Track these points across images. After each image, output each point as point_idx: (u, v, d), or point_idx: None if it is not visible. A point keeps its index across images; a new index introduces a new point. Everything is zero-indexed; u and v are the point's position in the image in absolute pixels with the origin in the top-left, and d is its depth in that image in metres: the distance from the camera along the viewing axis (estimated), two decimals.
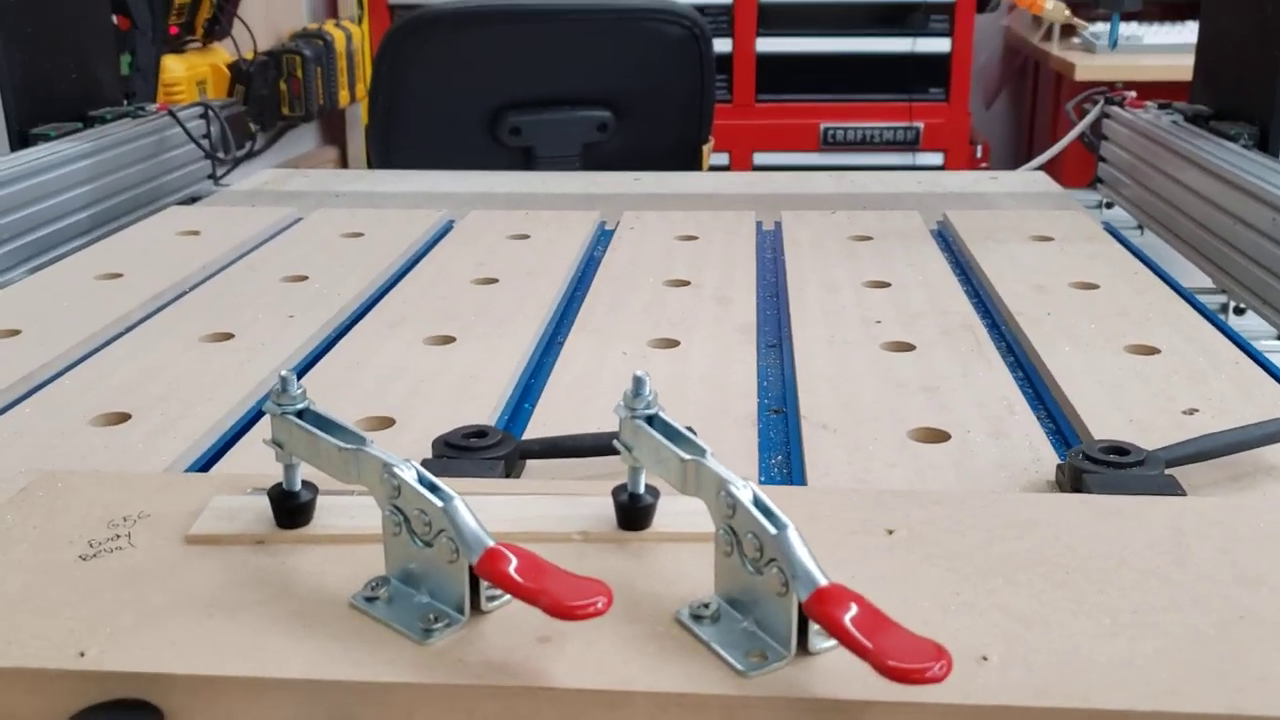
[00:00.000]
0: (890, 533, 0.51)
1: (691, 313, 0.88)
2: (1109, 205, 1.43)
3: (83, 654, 0.42)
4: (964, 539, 0.50)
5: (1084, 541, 0.50)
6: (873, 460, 0.64)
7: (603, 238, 1.13)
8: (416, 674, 0.41)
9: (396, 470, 0.45)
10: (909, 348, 0.81)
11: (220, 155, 1.53)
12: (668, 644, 0.43)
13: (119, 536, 0.51)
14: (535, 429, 0.68)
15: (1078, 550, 0.49)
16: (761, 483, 0.63)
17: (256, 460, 0.64)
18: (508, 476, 0.59)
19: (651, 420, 0.48)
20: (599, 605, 0.40)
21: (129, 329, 0.86)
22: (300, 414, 0.49)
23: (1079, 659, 0.42)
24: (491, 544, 0.43)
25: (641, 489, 0.50)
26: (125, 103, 1.51)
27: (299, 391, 0.49)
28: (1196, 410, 0.69)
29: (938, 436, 0.67)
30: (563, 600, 0.40)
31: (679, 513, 0.52)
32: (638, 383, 0.49)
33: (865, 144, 2.75)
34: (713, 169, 2.73)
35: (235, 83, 2.02)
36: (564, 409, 0.71)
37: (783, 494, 0.55)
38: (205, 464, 0.65)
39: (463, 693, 0.41)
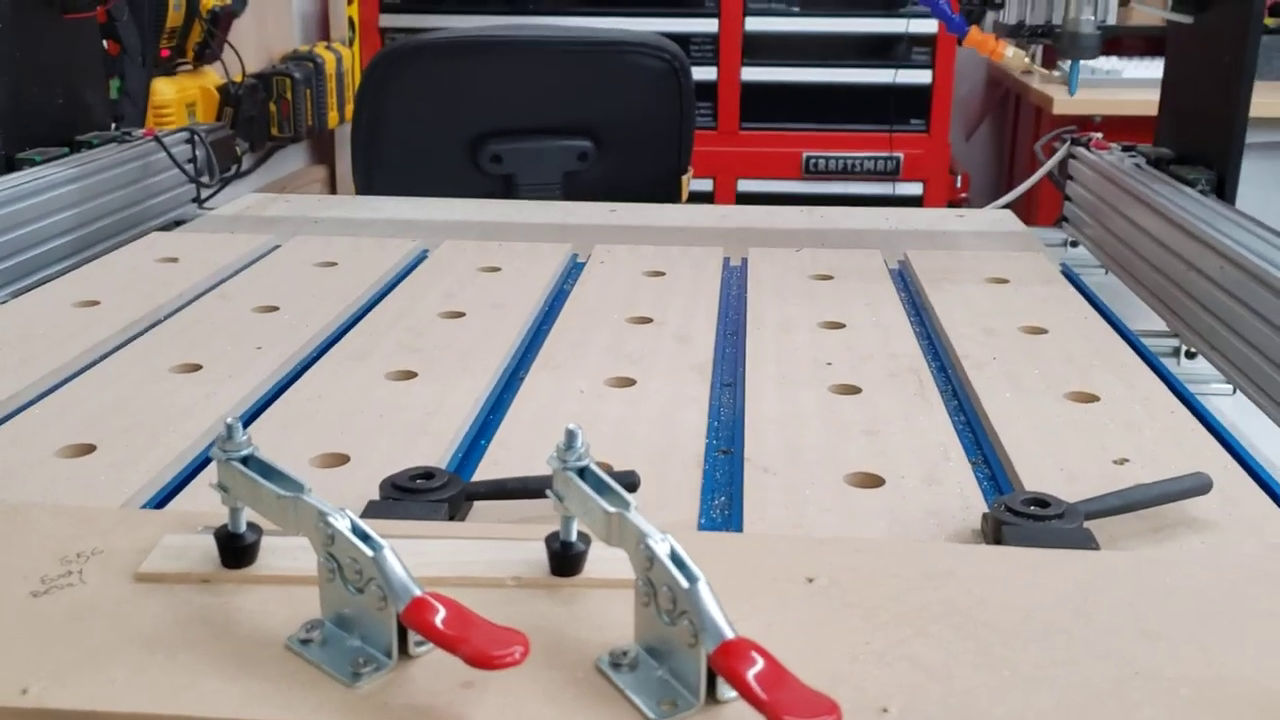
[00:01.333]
0: (810, 580, 0.53)
1: (651, 350, 0.91)
2: (1074, 244, 1.46)
3: (25, 691, 0.44)
4: (881, 588, 0.52)
5: (996, 594, 0.52)
6: (808, 505, 0.66)
7: (574, 270, 1.16)
8: (341, 717, 0.43)
9: (330, 519, 0.47)
10: (855, 390, 0.83)
11: (205, 180, 1.56)
12: (585, 690, 0.45)
13: (71, 573, 0.53)
14: (489, 467, 0.71)
15: (989, 602, 0.51)
16: (701, 524, 0.66)
17: (216, 495, 0.66)
18: (452, 518, 0.61)
19: (583, 472, 0.51)
20: (516, 655, 0.42)
21: (101, 358, 0.88)
22: (245, 460, 0.51)
23: (978, 713, 0.44)
24: (418, 593, 0.45)
25: (574, 536, 0.52)
26: (114, 127, 1.53)
27: (244, 438, 0.51)
28: (1127, 460, 0.72)
29: (873, 482, 0.69)
30: (482, 650, 0.42)
31: (613, 559, 0.54)
32: (570, 436, 0.51)
33: (846, 173, 2.78)
34: (695, 195, 2.76)
35: (224, 105, 2.04)
36: (519, 448, 0.73)
37: (714, 540, 0.57)
38: (166, 497, 0.67)
39: None
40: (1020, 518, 0.60)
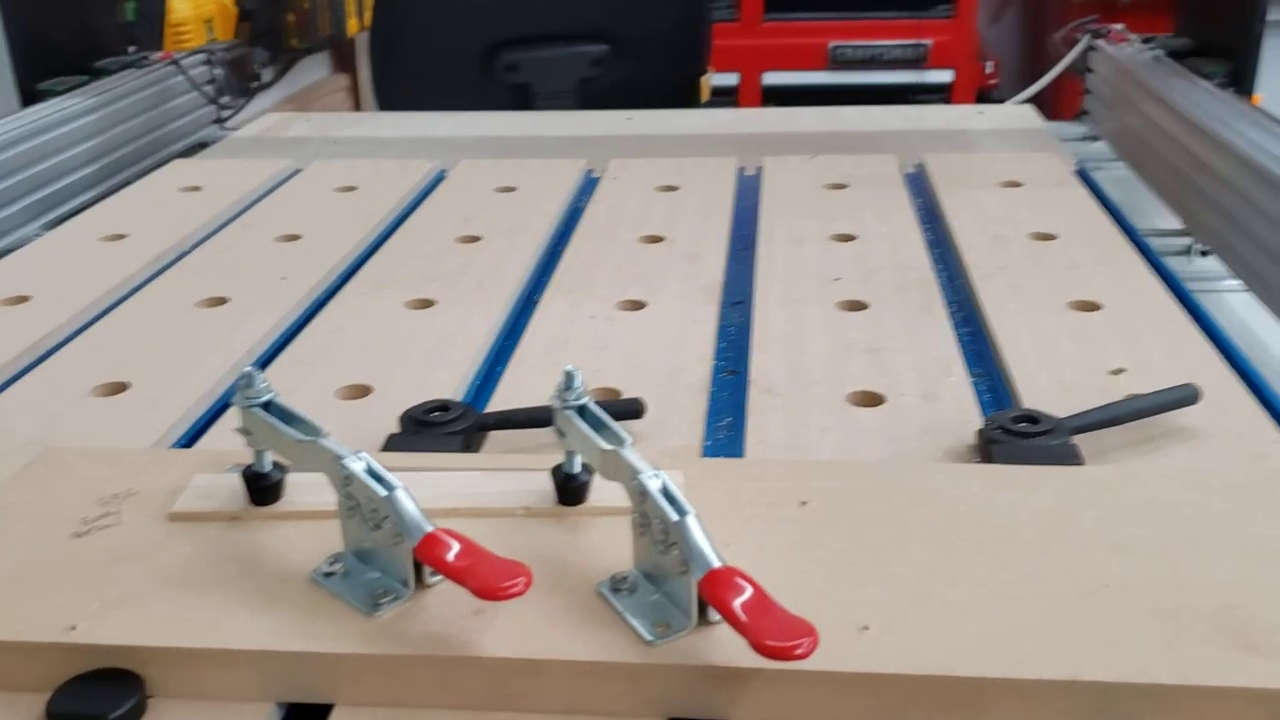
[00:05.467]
0: (803, 504, 0.56)
1: (661, 271, 0.93)
2: (1095, 138, 1.45)
3: (73, 628, 0.48)
4: (869, 510, 0.55)
5: (978, 512, 0.55)
6: (808, 426, 0.68)
7: (589, 187, 1.17)
8: (361, 645, 0.47)
9: (346, 462, 0.50)
10: (862, 306, 0.85)
11: (224, 101, 1.57)
12: (587, 615, 0.49)
13: (109, 514, 0.57)
14: (504, 396, 0.74)
15: (972, 521, 0.54)
16: (706, 447, 0.68)
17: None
18: (468, 448, 0.65)
19: (582, 410, 0.53)
20: (519, 586, 0.45)
21: (131, 293, 0.91)
22: (266, 405, 0.54)
23: (949, 629, 0.47)
24: (429, 529, 0.48)
25: (577, 469, 0.55)
26: (131, 50, 1.54)
27: (263, 385, 0.54)
28: (1123, 370, 0.74)
29: (873, 400, 0.72)
30: (488, 582, 0.45)
31: (616, 487, 0.57)
32: (568, 377, 0.54)
33: (873, 62, 2.74)
34: (717, 91, 2.74)
35: (241, 19, 2.04)
36: (531, 376, 0.76)
37: (714, 465, 0.60)
38: (197, 433, 0.71)
39: (402, 662, 0.47)
40: (1010, 435, 0.62)
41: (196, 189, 1.17)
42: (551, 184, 1.15)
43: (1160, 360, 0.75)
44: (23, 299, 0.90)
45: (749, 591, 0.44)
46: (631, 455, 0.50)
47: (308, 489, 0.57)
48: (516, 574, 0.46)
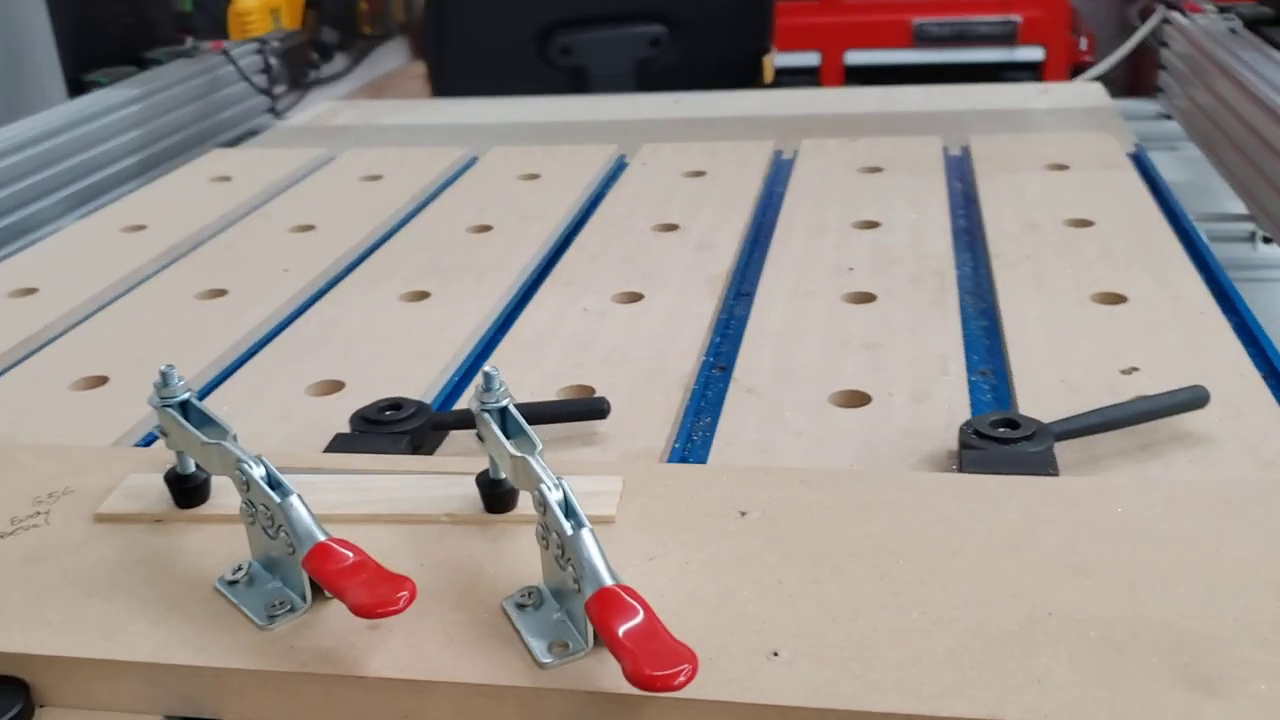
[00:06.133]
0: (743, 514, 0.52)
1: (669, 262, 0.89)
2: (1167, 117, 1.37)
3: None
4: (813, 522, 0.51)
5: (931, 526, 0.50)
6: (783, 428, 0.65)
7: (617, 173, 1.14)
8: (247, 660, 0.45)
9: (245, 466, 0.48)
10: (870, 298, 0.80)
11: (275, 91, 1.58)
12: (487, 632, 0.46)
13: (39, 514, 0.56)
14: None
15: (921, 536, 0.50)
16: (676, 449, 0.65)
17: None
18: (418, 449, 0.62)
19: (504, 412, 0.51)
20: (399, 605, 0.43)
21: (134, 287, 0.91)
22: (183, 405, 0.53)
23: (870, 657, 0.43)
24: (320, 539, 0.46)
25: (503, 475, 0.53)
26: (188, 41, 1.56)
27: (179, 384, 0.53)
28: (1136, 369, 0.68)
29: (859, 400, 0.67)
30: (365, 599, 0.43)
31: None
32: (487, 378, 0.51)
33: (961, 40, 2.64)
34: (800, 71, 2.68)
35: (309, 7, 2.05)
36: (507, 372, 0.73)
37: (660, 472, 0.57)
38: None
39: (288, 679, 0.45)
40: (985, 440, 0.57)
41: (226, 179, 1.17)
42: (577, 171, 1.13)
43: (1181, 358, 0.69)
44: (30, 291, 0.90)
45: (637, 614, 0.41)
46: (537, 463, 0.47)
47: (235, 492, 0.56)
48: (397, 591, 0.43)
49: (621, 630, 0.41)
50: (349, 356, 0.76)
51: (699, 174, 1.10)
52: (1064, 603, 0.45)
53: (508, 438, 0.49)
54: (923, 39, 2.67)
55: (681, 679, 0.39)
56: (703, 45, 1.75)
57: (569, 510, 0.44)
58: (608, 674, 0.43)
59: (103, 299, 0.89)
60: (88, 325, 0.84)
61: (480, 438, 0.52)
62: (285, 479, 0.48)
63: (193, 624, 0.47)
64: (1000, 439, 0.57)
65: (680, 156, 1.15)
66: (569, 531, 0.44)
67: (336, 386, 0.73)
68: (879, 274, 0.84)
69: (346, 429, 0.65)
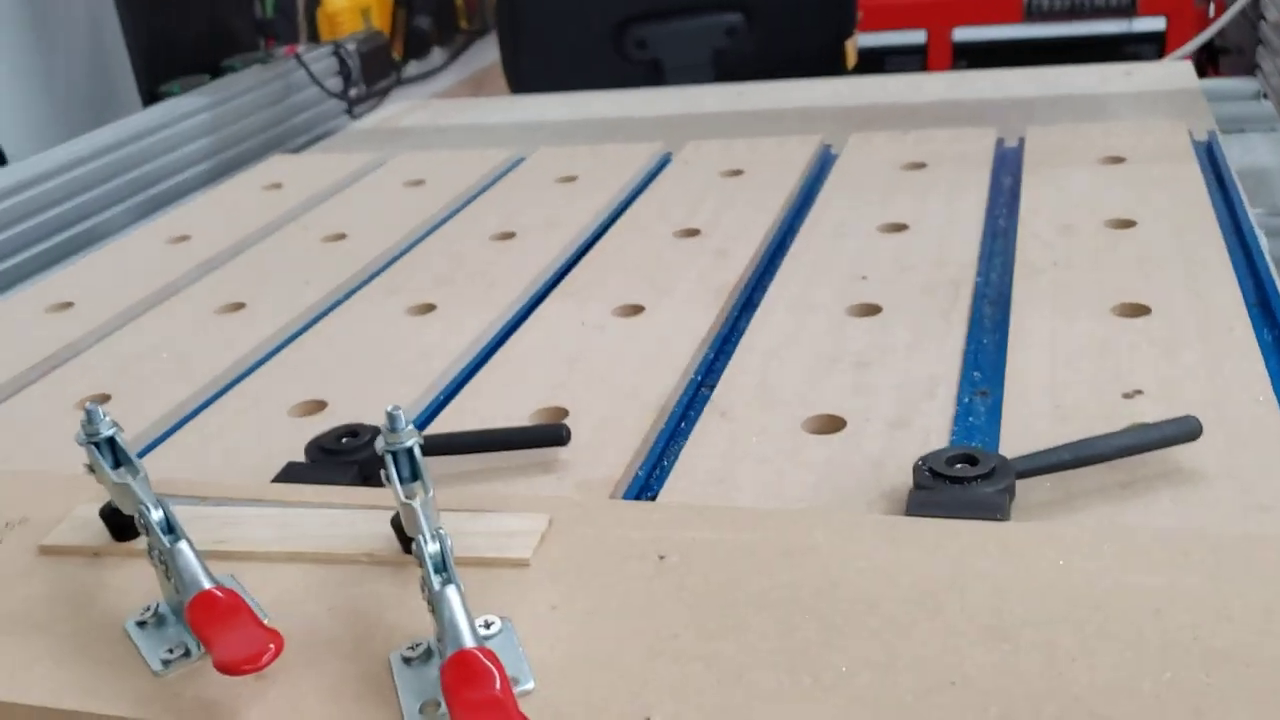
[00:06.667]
0: (661, 558, 0.50)
1: (681, 269, 0.87)
2: (1264, 96, 1.27)
3: None
4: (731, 568, 0.49)
5: (853, 576, 0.47)
6: (746, 456, 0.62)
7: (657, 172, 1.12)
8: (133, 709, 0.45)
9: (143, 509, 0.48)
10: (875, 310, 0.77)
11: (352, 93, 1.60)
12: (369, 687, 0.45)
13: None
14: (451, 416, 0.70)
15: (840, 588, 0.47)
16: (639, 476, 0.63)
17: (183, 453, 0.69)
18: (366, 479, 0.62)
19: (409, 453, 0.49)
20: (261, 662, 0.42)
21: (161, 301, 0.93)
22: (108, 441, 0.53)
23: None
24: (205, 588, 0.46)
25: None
26: (266, 46, 1.59)
27: (103, 420, 0.53)
28: (1140, 393, 0.63)
29: (833, 425, 0.64)
30: (228, 655, 0.42)
31: (482, 532, 0.53)
32: (391, 419, 0.49)
33: (1075, 12, 2.52)
34: (906, 50, 2.60)
35: (399, 5, 2.08)
36: (489, 394, 0.72)
37: (590, 510, 0.55)
38: (146, 451, 0.71)
39: None
40: (938, 479, 0.54)
41: (277, 187, 1.19)
42: (616, 171, 1.11)
43: (1193, 381, 0.64)
44: (67, 305, 0.93)
45: (485, 682, 0.40)
46: (423, 513, 0.45)
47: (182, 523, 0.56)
48: (260, 650, 0.42)
49: (465, 698, 0.39)
50: (339, 375, 0.76)
51: (737, 173, 1.07)
52: (971, 670, 0.42)
53: (414, 479, 0.48)
54: (1035, 13, 2.55)
55: None
56: (780, 33, 1.70)
57: (440, 564, 0.43)
58: None
59: (132, 313, 0.91)
60: (108, 342, 0.86)
61: (386, 479, 0.50)
62: (180, 524, 0.48)
63: (94, 666, 0.48)
64: (953, 477, 0.53)
65: (722, 154, 1.12)
66: (436, 587, 0.42)
67: (319, 407, 0.73)
68: (891, 283, 0.80)
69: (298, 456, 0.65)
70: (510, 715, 0.38)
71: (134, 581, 0.53)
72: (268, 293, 0.91)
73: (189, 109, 1.34)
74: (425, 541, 0.44)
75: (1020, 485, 0.56)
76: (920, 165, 1.03)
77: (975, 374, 0.70)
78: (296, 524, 0.55)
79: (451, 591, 0.42)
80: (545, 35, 1.71)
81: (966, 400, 0.67)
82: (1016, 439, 0.60)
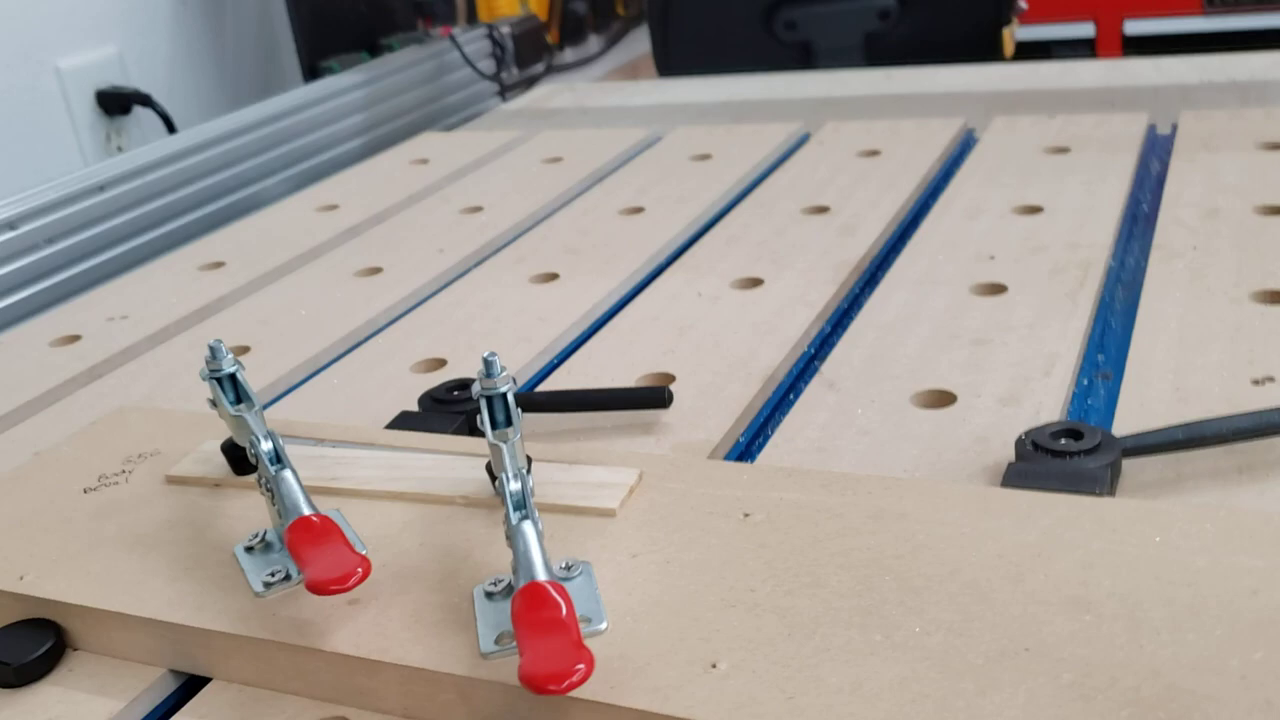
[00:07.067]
0: (746, 516, 0.50)
1: (805, 246, 0.86)
2: None
3: (22, 578, 0.52)
4: (815, 528, 0.49)
5: (939, 542, 0.47)
6: (849, 427, 0.61)
7: (792, 152, 1.11)
8: (233, 625, 0.48)
9: (255, 441, 0.51)
10: (1000, 290, 0.75)
11: (504, 75, 1.64)
12: (450, 616, 0.46)
13: (124, 472, 0.61)
14: (567, 374, 0.72)
15: (923, 552, 0.46)
16: (740, 442, 0.63)
17: (313, 399, 0.73)
18: (471, 430, 0.63)
19: (502, 398, 0.50)
20: (348, 583, 0.44)
21: (304, 264, 0.97)
22: (230, 378, 0.56)
23: (808, 678, 0.40)
24: (304, 514, 0.48)
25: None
26: (424, 26, 1.64)
27: (226, 358, 0.56)
28: (1271, 379, 0.60)
29: (942, 400, 0.63)
30: (316, 575, 0.44)
31: (573, 482, 0.54)
32: (488, 365, 0.51)
33: (1262, 2, 2.39)
34: (1073, 42, 2.51)
35: None
36: (600, 357, 0.73)
37: (682, 466, 0.55)
38: (283, 396, 0.75)
39: (262, 645, 0.47)
40: (1040, 452, 0.52)
41: (424, 162, 1.23)
42: (751, 150, 1.11)
43: None
44: (218, 265, 0.98)
45: (553, 611, 0.41)
46: (507, 455, 0.47)
47: (297, 461, 0.59)
48: (348, 572, 0.44)
49: (531, 626, 0.40)
50: (460, 335, 0.79)
51: (873, 153, 1.05)
52: (1048, 637, 0.41)
53: (506, 424, 0.49)
54: (1215, 3, 2.44)
55: (567, 684, 0.38)
56: (935, 18, 1.67)
57: (520, 502, 0.44)
58: None
59: (277, 274, 0.95)
60: (251, 298, 0.90)
61: (481, 424, 0.52)
62: (287, 453, 0.50)
63: (202, 586, 0.50)
64: (1055, 451, 0.52)
65: (861, 134, 1.11)
66: (514, 522, 0.43)
67: (439, 364, 0.75)
68: (1019, 263, 0.78)
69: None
70: (571, 637, 0.39)
71: (248, 511, 0.56)
72: (403, 258, 0.94)
73: (345, 85, 1.39)
74: (508, 479, 0.45)
75: (1130, 465, 0.54)
76: (1064, 149, 1.00)
77: (1100, 356, 0.68)
78: (402, 466, 0.57)
79: (528, 527, 0.43)
80: (694, 18, 1.71)
81: (1086, 382, 0.65)
82: (1132, 419, 0.58)
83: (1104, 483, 0.50)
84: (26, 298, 1.00)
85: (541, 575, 0.42)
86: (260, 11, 1.57)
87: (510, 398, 0.50)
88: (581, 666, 0.38)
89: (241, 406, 0.54)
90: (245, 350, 0.81)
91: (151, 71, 1.48)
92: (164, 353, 0.82)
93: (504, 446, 0.47)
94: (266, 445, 0.51)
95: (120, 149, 1.47)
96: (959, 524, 0.48)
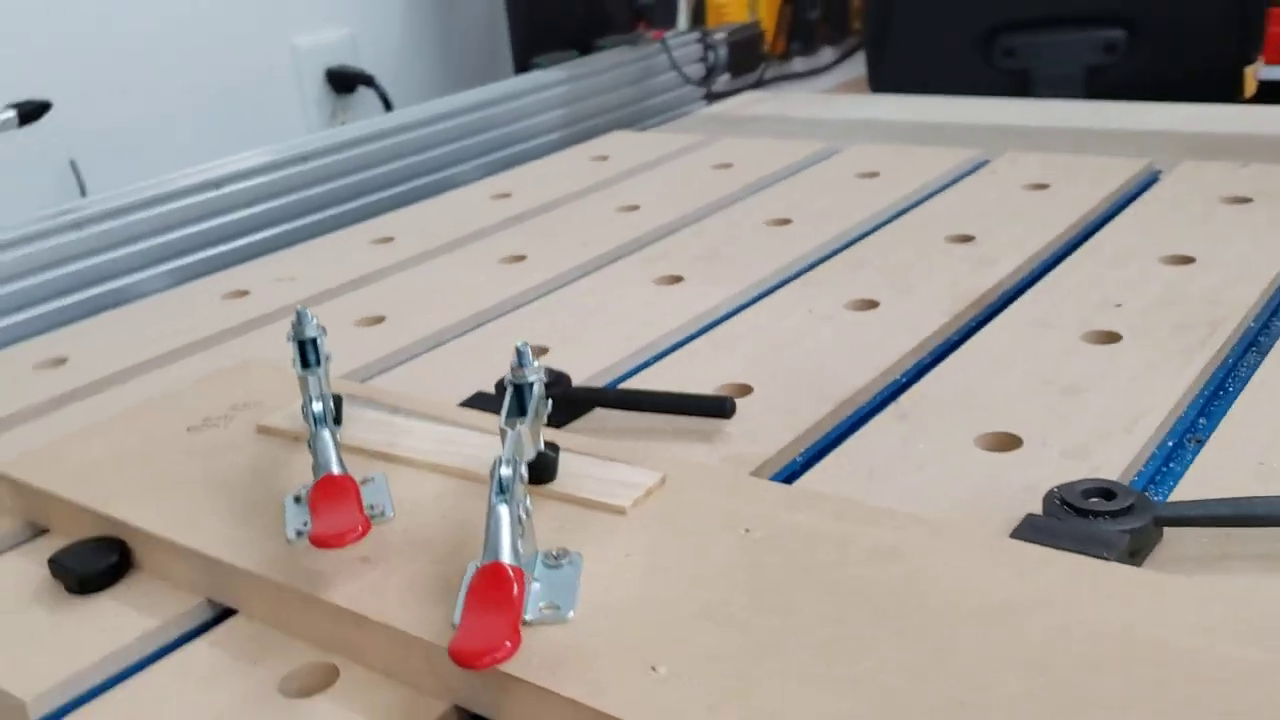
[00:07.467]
0: (747, 531, 0.51)
1: (933, 274, 0.84)
2: None
3: (108, 500, 0.59)
4: (810, 555, 0.49)
5: (924, 585, 0.46)
6: (901, 460, 0.60)
7: (955, 180, 1.08)
8: (259, 566, 0.52)
9: (308, 400, 0.55)
10: (1113, 339, 0.72)
11: (711, 82, 1.66)
12: (443, 586, 0.49)
13: (226, 418, 0.67)
14: (655, 374, 0.73)
15: (906, 594, 0.45)
16: (796, 460, 0.63)
17: (433, 370, 0.77)
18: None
19: (522, 389, 0.53)
20: (341, 541, 0.47)
21: (459, 247, 1.02)
22: (312, 342, 0.60)
23: (738, 691, 0.41)
24: (330, 472, 0.52)
25: (541, 445, 0.55)
26: (639, 29, 1.69)
27: (311, 323, 0.60)
28: None
29: (1008, 444, 0.61)
30: (318, 530, 0.48)
31: (598, 477, 0.56)
32: (519, 355, 0.53)
33: None
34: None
35: (785, 2, 2.11)
36: (686, 362, 0.74)
37: (705, 475, 0.56)
38: (397, 365, 0.79)
39: (278, 589, 0.51)
40: (1066, 509, 0.50)
41: (603, 158, 1.27)
42: (918, 173, 1.09)
43: None
44: (388, 240, 1.05)
45: (502, 591, 0.42)
46: (511, 439, 0.49)
47: (367, 425, 0.63)
48: (344, 532, 0.47)
49: (478, 603, 0.42)
50: (569, 327, 0.81)
51: (1041, 186, 1.02)
52: (993, 697, 0.40)
53: (519, 413, 0.52)
54: None
55: (487, 659, 0.40)
56: (1168, 53, 1.58)
57: (502, 486, 0.46)
58: None
59: (433, 254, 1.01)
60: (402, 273, 0.96)
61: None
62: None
63: (248, 529, 0.55)
64: (1080, 509, 0.50)
65: (1037, 166, 1.07)
66: (491, 502, 0.46)
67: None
68: (1145, 314, 0.74)
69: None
70: (508, 618, 0.41)
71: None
72: (548, 249, 0.98)
73: (548, 81, 1.44)
74: (501, 464, 0.47)
75: (1174, 535, 0.51)
76: (1245, 200, 0.93)
77: (1201, 420, 0.64)
78: (455, 442, 0.60)
79: (503, 510, 0.45)
80: (911, 37, 1.69)
81: (1171, 444, 0.61)
82: (1199, 487, 0.55)
83: (1117, 548, 0.47)
84: (211, 256, 1.09)
85: (505, 557, 0.44)
86: (485, 7, 1.65)
87: (535, 390, 0.53)
88: (508, 644, 0.40)
89: (308, 370, 0.58)
90: (380, 320, 0.86)
91: (379, 55, 1.58)
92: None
93: (510, 433, 0.49)
94: (317, 406, 0.55)
95: (343, 125, 1.58)
96: (955, 569, 0.47)
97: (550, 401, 0.54)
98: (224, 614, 0.54)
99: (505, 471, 0.47)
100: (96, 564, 0.55)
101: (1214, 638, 0.41)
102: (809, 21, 2.22)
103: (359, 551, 0.51)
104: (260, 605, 0.52)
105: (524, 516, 0.47)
